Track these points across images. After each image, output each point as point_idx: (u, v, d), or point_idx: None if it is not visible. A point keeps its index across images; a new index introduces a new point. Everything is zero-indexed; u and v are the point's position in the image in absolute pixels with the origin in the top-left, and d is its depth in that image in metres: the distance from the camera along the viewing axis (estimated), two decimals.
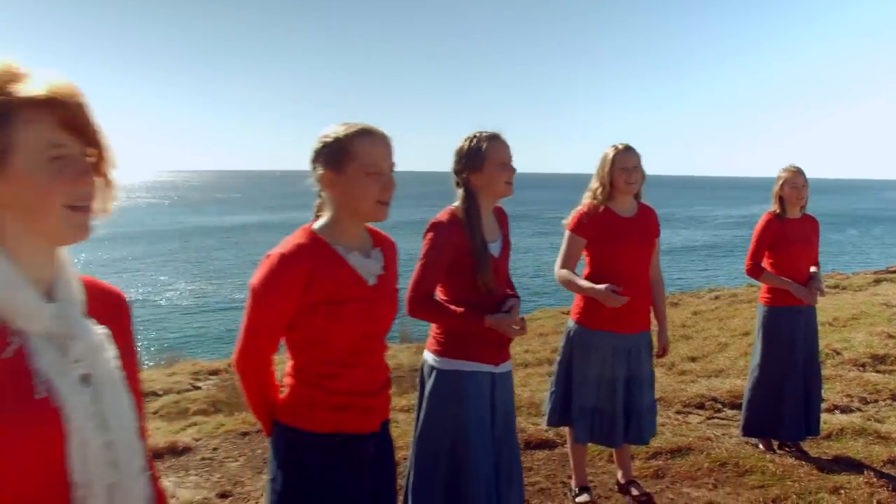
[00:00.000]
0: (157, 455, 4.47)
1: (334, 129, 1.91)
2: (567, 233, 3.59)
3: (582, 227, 3.55)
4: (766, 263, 4.47)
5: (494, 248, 2.78)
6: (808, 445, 4.52)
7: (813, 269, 4.44)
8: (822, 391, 4.72)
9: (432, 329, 2.83)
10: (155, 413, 6.81)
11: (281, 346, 1.98)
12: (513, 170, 2.77)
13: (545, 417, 3.78)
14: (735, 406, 5.27)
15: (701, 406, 5.51)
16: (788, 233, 4.38)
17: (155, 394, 7.73)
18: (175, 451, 4.68)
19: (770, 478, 4.05)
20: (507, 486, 2.80)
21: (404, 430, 4.14)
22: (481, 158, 2.73)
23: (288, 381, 1.97)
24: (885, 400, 5.67)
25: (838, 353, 6.96)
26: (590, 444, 3.89)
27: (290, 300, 1.83)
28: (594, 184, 3.58)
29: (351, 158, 1.87)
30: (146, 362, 11.54)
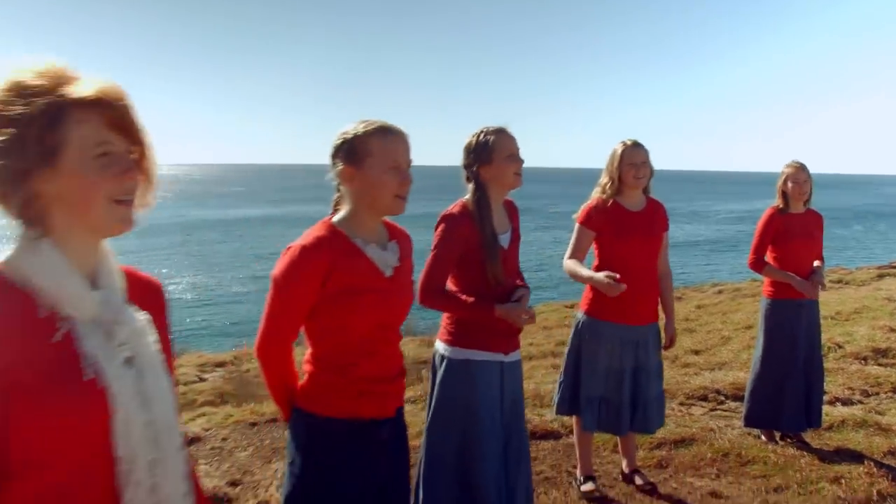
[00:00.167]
0: None
1: (354, 127, 1.98)
2: (576, 226, 3.66)
3: (591, 220, 3.62)
4: (769, 257, 4.54)
5: (504, 240, 2.85)
6: (809, 436, 4.59)
7: (816, 263, 4.50)
8: (824, 384, 4.78)
9: (443, 319, 2.91)
10: None
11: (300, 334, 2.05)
12: (521, 161, 2.85)
13: (554, 406, 3.86)
14: (738, 398, 5.33)
15: (704, 398, 5.58)
16: (791, 227, 4.44)
17: None
18: (184, 440, 4.76)
19: (772, 468, 4.12)
20: (516, 473, 2.88)
21: (409, 421, 4.22)
22: (490, 151, 2.81)
23: (307, 368, 2.04)
24: (886, 393, 5.73)
25: (840, 347, 7.01)
26: (595, 435, 3.97)
27: (310, 290, 1.91)
28: (603, 178, 3.65)
29: (370, 154, 1.94)
30: None
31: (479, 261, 2.76)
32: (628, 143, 3.61)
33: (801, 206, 4.50)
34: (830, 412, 4.96)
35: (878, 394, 5.72)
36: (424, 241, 2.41)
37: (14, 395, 1.03)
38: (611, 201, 3.62)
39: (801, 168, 4.44)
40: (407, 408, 4.92)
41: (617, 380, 3.59)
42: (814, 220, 4.54)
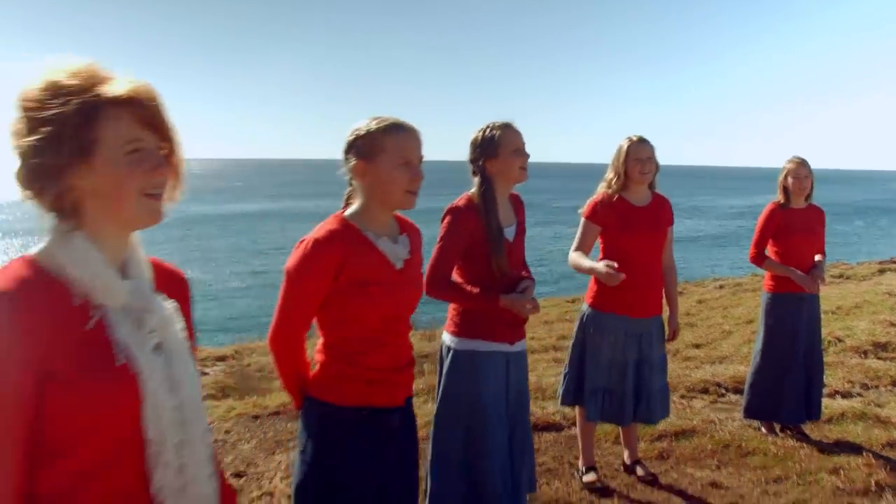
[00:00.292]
0: None
1: (367, 123, 2.04)
2: (582, 220, 3.72)
3: (597, 214, 3.68)
4: (770, 252, 4.59)
5: (509, 233, 2.91)
6: (809, 429, 4.64)
7: (818, 257, 4.55)
8: (824, 377, 4.84)
9: (449, 310, 2.97)
10: None
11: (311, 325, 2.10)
12: (526, 155, 2.90)
13: (559, 397, 3.92)
14: (738, 391, 5.38)
15: (705, 391, 5.64)
16: (792, 222, 4.49)
17: None
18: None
19: (772, 459, 4.18)
20: (520, 463, 2.95)
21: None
22: (496, 146, 2.86)
23: (319, 357, 2.09)
24: (885, 386, 5.79)
25: (840, 341, 7.07)
26: (597, 427, 4.03)
27: (322, 282, 1.96)
28: (609, 174, 3.70)
29: (382, 150, 2.00)
30: None
31: (485, 253, 2.82)
32: (634, 138, 3.66)
33: (803, 201, 4.55)
34: (830, 405, 5.01)
35: (877, 387, 5.78)
36: (426, 236, 2.46)
37: (50, 380, 1.08)
38: (616, 196, 3.68)
39: (801, 163, 4.49)
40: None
41: (620, 371, 3.64)
42: (815, 216, 4.58)
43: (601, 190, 3.74)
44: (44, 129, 1.09)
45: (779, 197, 4.58)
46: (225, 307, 20.60)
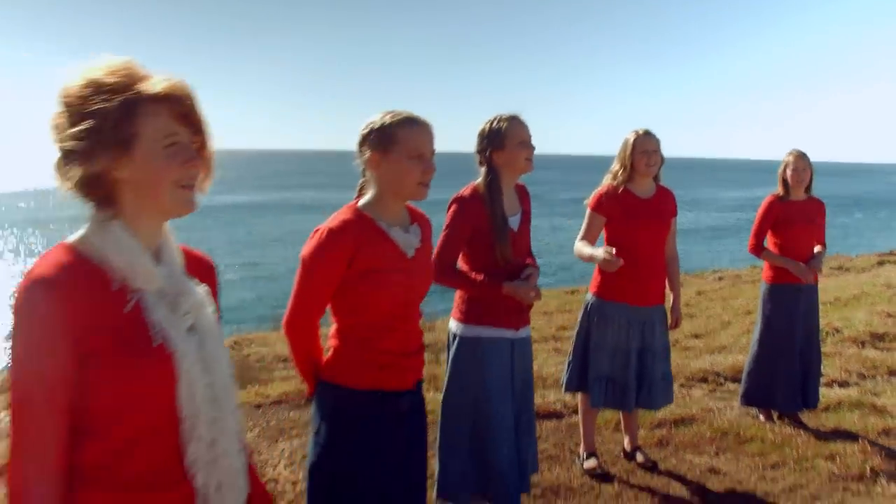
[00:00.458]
0: None
1: (381, 117, 2.11)
2: (588, 211, 3.80)
3: (602, 206, 3.75)
4: (769, 243, 4.67)
5: (514, 222, 2.99)
6: (806, 416, 4.72)
7: (818, 248, 4.63)
8: (822, 367, 4.91)
9: (455, 298, 3.05)
10: None
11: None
12: (532, 147, 2.98)
13: (563, 385, 4.01)
14: (736, 380, 5.45)
15: (704, 380, 5.72)
16: (790, 214, 4.57)
17: None
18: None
19: (769, 446, 4.27)
20: (526, 444, 3.04)
21: None
22: (502, 137, 2.94)
23: (332, 343, 2.17)
24: (882, 375, 5.87)
25: (838, 331, 7.15)
26: (598, 415, 4.11)
27: (336, 270, 2.04)
28: (615, 166, 3.78)
29: (396, 143, 2.07)
30: None
31: (489, 241, 2.90)
32: (640, 131, 3.73)
33: (802, 193, 4.62)
34: (827, 394, 5.10)
35: (874, 376, 5.85)
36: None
37: (92, 359, 1.16)
38: (622, 188, 3.75)
39: (800, 156, 4.57)
40: None
41: (623, 359, 3.73)
42: (815, 207, 4.65)
43: (607, 182, 3.82)
44: (86, 124, 1.16)
45: (778, 189, 4.65)
46: (221, 299, 20.55)
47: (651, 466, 3.97)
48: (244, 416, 4.99)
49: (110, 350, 1.17)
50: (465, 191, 2.97)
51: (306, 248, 2.06)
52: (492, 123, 2.98)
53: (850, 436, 4.39)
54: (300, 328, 2.15)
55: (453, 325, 3.04)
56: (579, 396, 4.04)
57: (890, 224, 42.15)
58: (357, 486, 2.08)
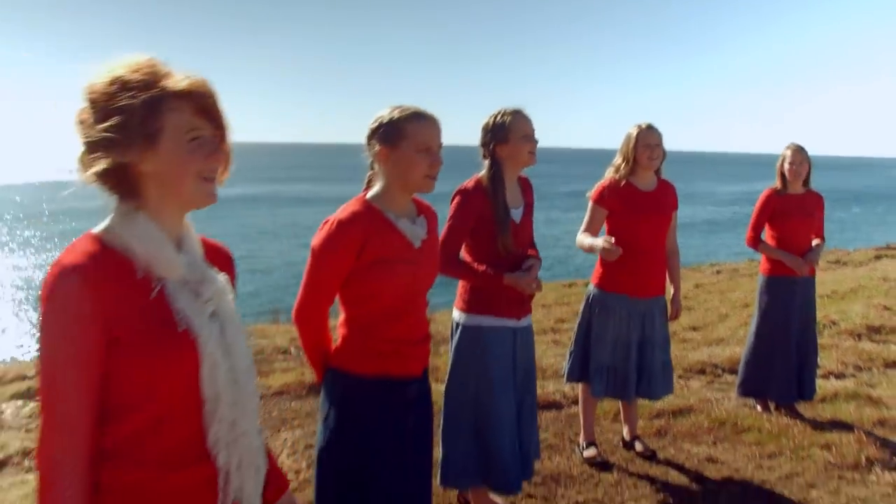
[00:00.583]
0: None
1: (389, 112, 2.16)
2: (590, 204, 3.85)
3: (604, 199, 3.81)
4: (767, 236, 4.73)
5: (516, 214, 3.05)
6: (802, 407, 4.79)
7: (816, 241, 4.68)
8: (819, 359, 4.97)
9: (458, 288, 3.11)
10: None
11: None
12: (535, 141, 3.04)
13: (564, 375, 4.07)
14: (734, 372, 5.50)
15: (702, 371, 5.78)
16: (788, 207, 4.62)
17: None
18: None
19: (766, 436, 4.34)
20: (529, 431, 3.10)
21: None
22: (506, 131, 2.99)
23: (341, 331, 2.23)
24: (878, 367, 5.92)
25: (835, 324, 7.21)
26: (597, 404, 4.17)
27: (345, 260, 2.09)
28: (618, 159, 3.83)
29: (404, 137, 2.13)
30: None
31: (491, 233, 2.96)
32: (643, 125, 3.79)
33: (800, 186, 4.67)
34: (824, 385, 5.16)
35: (870, 369, 5.91)
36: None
37: (120, 344, 1.21)
38: (624, 181, 3.80)
39: (798, 150, 4.61)
40: None
41: (624, 349, 3.79)
42: (813, 201, 4.70)
43: (609, 175, 3.87)
44: (114, 120, 1.21)
45: (776, 182, 4.70)
46: None
47: (650, 455, 4.04)
48: None
49: (138, 335, 1.23)
50: (469, 183, 3.03)
51: (316, 239, 2.12)
52: (496, 117, 3.03)
53: (846, 426, 4.46)
54: (310, 317, 2.20)
55: (456, 314, 3.10)
56: (580, 387, 4.10)
57: (887, 218, 42.23)
58: (365, 471, 2.14)
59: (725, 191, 65.99)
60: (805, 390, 4.71)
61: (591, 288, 3.92)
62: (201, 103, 1.28)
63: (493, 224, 2.95)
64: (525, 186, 3.18)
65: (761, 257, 4.82)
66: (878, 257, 13.79)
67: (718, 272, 13.23)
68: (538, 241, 3.32)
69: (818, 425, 4.49)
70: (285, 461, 4.05)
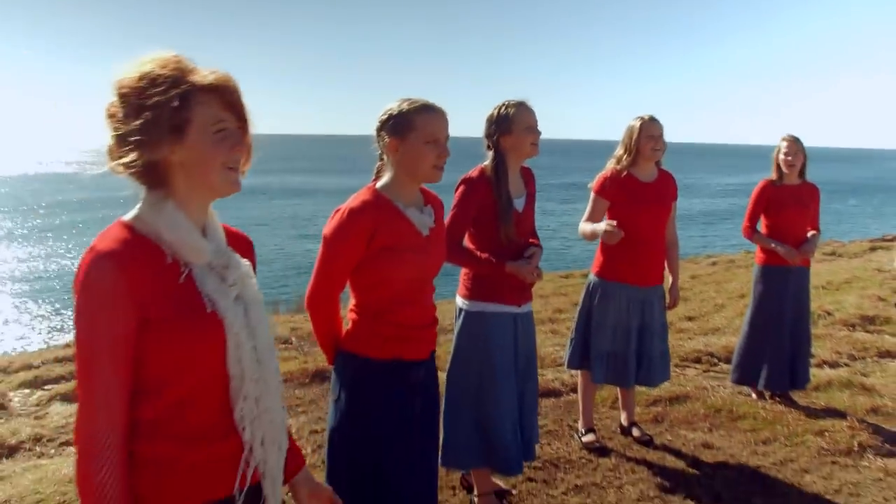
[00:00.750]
0: None
1: (398, 104, 2.23)
2: (592, 195, 3.92)
3: (605, 190, 3.88)
4: (763, 226, 4.80)
5: (519, 204, 3.12)
6: (797, 395, 4.87)
7: (811, 232, 4.75)
8: (813, 348, 5.05)
9: (461, 276, 3.18)
10: None
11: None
12: (538, 133, 3.11)
13: (565, 361, 4.16)
14: (730, 361, 5.58)
15: (698, 360, 5.86)
16: (783, 198, 4.69)
17: None
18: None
19: (761, 422, 4.43)
20: (530, 415, 3.19)
21: None
22: (510, 123, 3.06)
23: (352, 316, 2.31)
24: (871, 357, 6.02)
25: (830, 314, 7.29)
26: (596, 391, 4.26)
27: (356, 248, 2.17)
28: (619, 151, 3.90)
29: (413, 129, 2.20)
30: None
31: (494, 222, 3.04)
32: (646, 117, 3.85)
33: (796, 177, 4.74)
34: (818, 374, 5.24)
35: (864, 358, 6.00)
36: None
37: (151, 324, 1.28)
38: (625, 172, 3.87)
39: (793, 141, 4.68)
40: None
41: (624, 336, 3.87)
42: (808, 192, 4.76)
43: (610, 166, 3.94)
44: (145, 114, 1.28)
45: (772, 173, 4.77)
46: None
47: (647, 441, 4.13)
48: None
49: (169, 316, 1.30)
50: (473, 172, 3.10)
51: (328, 228, 2.19)
52: (500, 109, 3.10)
53: (840, 413, 4.55)
54: (321, 303, 2.28)
55: (459, 301, 3.17)
56: (579, 374, 4.18)
57: (883, 210, 42.34)
58: (375, 450, 2.22)
59: (723, 182, 66.00)
60: (798, 379, 4.78)
61: (592, 277, 4.00)
62: (227, 97, 1.35)
63: (496, 213, 3.02)
64: (527, 177, 3.25)
65: (756, 247, 4.90)
66: (873, 249, 13.86)
67: (714, 263, 13.30)
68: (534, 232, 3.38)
69: (812, 413, 4.59)
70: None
